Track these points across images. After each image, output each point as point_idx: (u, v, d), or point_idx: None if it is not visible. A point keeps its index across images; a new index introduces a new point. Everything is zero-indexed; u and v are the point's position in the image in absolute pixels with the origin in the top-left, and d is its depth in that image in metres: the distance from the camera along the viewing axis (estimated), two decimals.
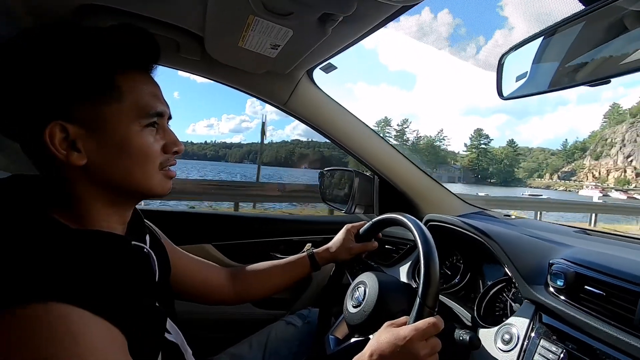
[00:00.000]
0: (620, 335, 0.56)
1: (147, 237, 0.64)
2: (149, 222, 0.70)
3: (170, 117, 0.58)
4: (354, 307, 0.80)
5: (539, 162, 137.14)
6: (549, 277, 0.71)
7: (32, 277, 0.39)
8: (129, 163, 0.51)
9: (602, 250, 0.74)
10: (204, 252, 1.19)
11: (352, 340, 0.82)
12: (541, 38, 0.53)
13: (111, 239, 0.51)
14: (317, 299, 1.32)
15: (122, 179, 0.51)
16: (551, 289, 0.71)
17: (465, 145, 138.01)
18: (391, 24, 0.73)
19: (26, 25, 0.62)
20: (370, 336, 0.74)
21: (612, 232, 1.11)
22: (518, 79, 0.60)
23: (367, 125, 1.21)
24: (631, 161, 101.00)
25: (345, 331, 0.90)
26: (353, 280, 0.90)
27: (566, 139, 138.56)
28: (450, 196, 1.32)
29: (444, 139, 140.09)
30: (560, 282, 0.68)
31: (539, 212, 10.31)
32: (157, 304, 0.56)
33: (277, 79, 1.04)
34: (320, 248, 0.98)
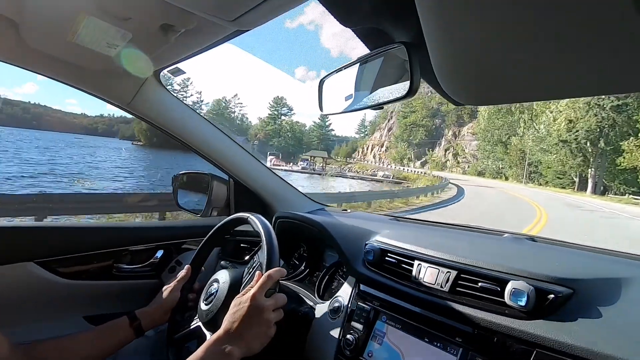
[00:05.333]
0: (403, 288, 0.79)
1: None
2: None
3: None
4: (207, 303, 0.84)
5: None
6: (364, 254, 0.92)
7: None
8: None
9: (399, 232, 1.00)
10: (25, 273, 1.00)
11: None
12: (348, 69, 0.69)
13: None
14: None
15: None
16: (366, 264, 0.91)
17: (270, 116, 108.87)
18: None
19: None
20: None
21: (413, 218, 1.46)
22: (347, 98, 0.76)
23: (218, 128, 1.25)
24: (391, 134, 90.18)
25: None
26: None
27: (365, 115, 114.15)
28: (299, 195, 1.49)
29: (236, 106, 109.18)
30: (370, 257, 0.89)
31: None
32: None
33: (119, 78, 0.98)
34: (146, 308, 0.92)
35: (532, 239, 0.97)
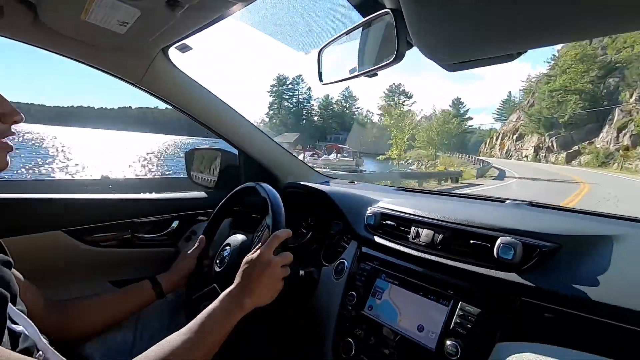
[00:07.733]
0: (401, 247, 0.84)
1: None
2: None
3: None
4: (220, 266, 0.92)
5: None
6: (365, 219, 0.97)
7: None
8: None
9: (400, 200, 1.04)
10: (55, 241, 1.09)
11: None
12: (343, 38, 0.71)
13: None
14: None
15: None
16: (367, 227, 0.96)
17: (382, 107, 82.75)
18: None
19: None
20: None
21: (418, 189, 1.50)
22: (344, 67, 0.77)
23: (226, 103, 1.29)
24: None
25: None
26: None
27: (509, 94, 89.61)
28: (307, 169, 1.54)
29: (346, 100, 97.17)
30: (371, 221, 0.94)
31: None
32: None
33: (129, 56, 1.02)
34: (166, 273, 1.01)
35: (532, 204, 1.00)
